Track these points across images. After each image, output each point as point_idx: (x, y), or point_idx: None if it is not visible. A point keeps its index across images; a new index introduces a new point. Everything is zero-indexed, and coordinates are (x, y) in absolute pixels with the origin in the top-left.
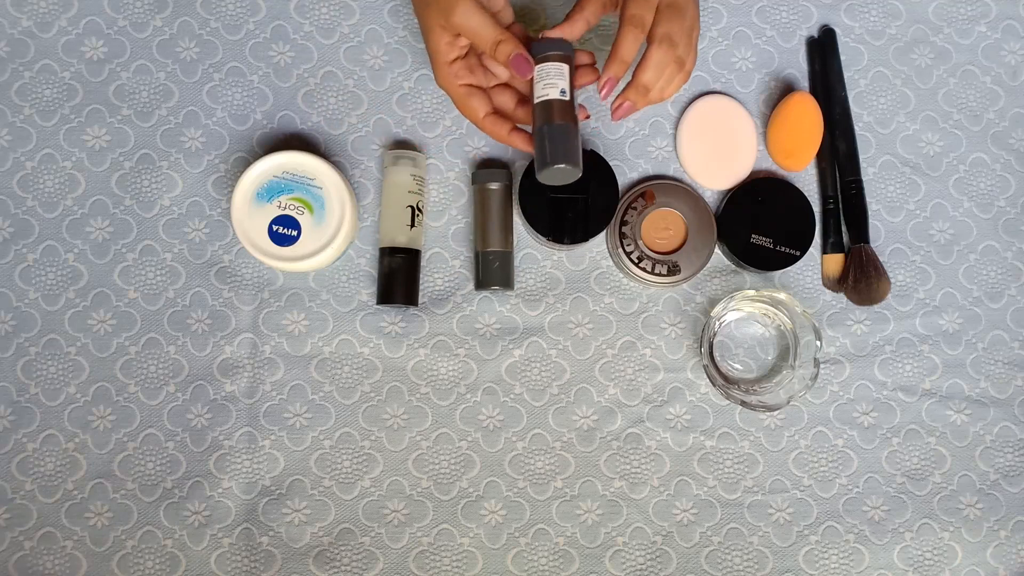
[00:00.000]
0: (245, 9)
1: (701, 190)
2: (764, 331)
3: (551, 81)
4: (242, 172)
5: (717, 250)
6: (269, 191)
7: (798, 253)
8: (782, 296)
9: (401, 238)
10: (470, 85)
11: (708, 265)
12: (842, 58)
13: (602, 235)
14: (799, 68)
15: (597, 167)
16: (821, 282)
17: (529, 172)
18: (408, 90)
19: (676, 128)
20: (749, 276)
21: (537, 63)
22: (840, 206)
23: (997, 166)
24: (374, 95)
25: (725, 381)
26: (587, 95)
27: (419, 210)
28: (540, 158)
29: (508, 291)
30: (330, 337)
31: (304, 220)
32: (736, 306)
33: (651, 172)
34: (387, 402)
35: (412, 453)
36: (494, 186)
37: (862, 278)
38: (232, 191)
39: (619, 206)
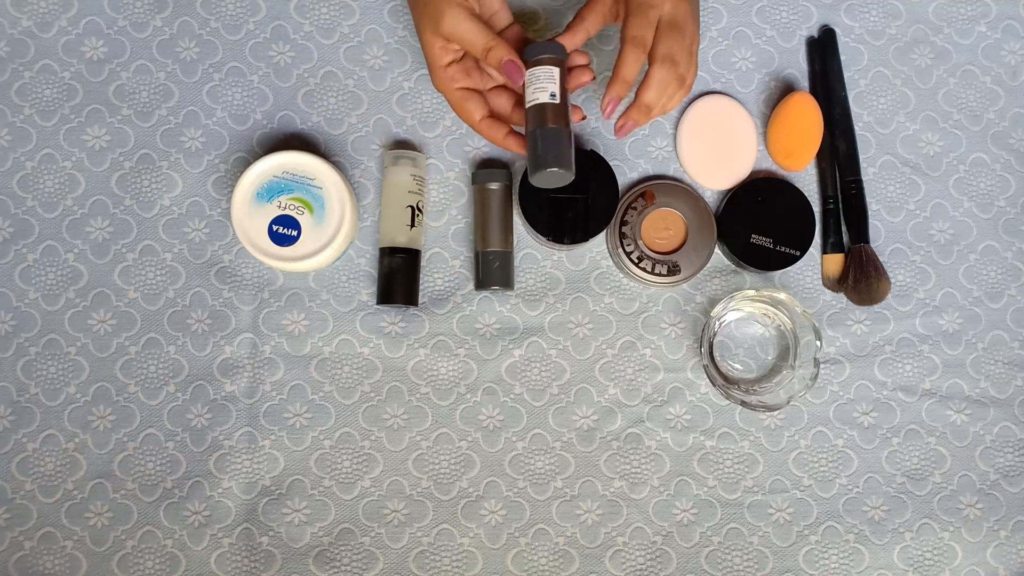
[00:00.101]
0: (245, 9)
1: (701, 190)
2: (764, 331)
3: (541, 85)
4: (242, 172)
5: (717, 250)
6: (269, 191)
7: (798, 253)
8: (782, 296)
9: (401, 238)
10: (466, 88)
11: (708, 265)
12: (842, 58)
13: (602, 235)
14: (799, 68)
15: (597, 167)
16: (821, 282)
17: None
18: (408, 90)
19: (676, 128)
20: (749, 276)
21: (528, 67)
22: (840, 206)
23: (997, 166)
24: (374, 95)
25: (725, 381)
26: (586, 96)
27: (419, 210)
28: (532, 162)
29: (508, 291)
30: (330, 337)
31: (304, 220)
32: (736, 306)
33: (651, 172)
34: (387, 402)
35: (412, 453)
36: (494, 186)
37: (862, 278)
38: (232, 191)
39: (619, 206)
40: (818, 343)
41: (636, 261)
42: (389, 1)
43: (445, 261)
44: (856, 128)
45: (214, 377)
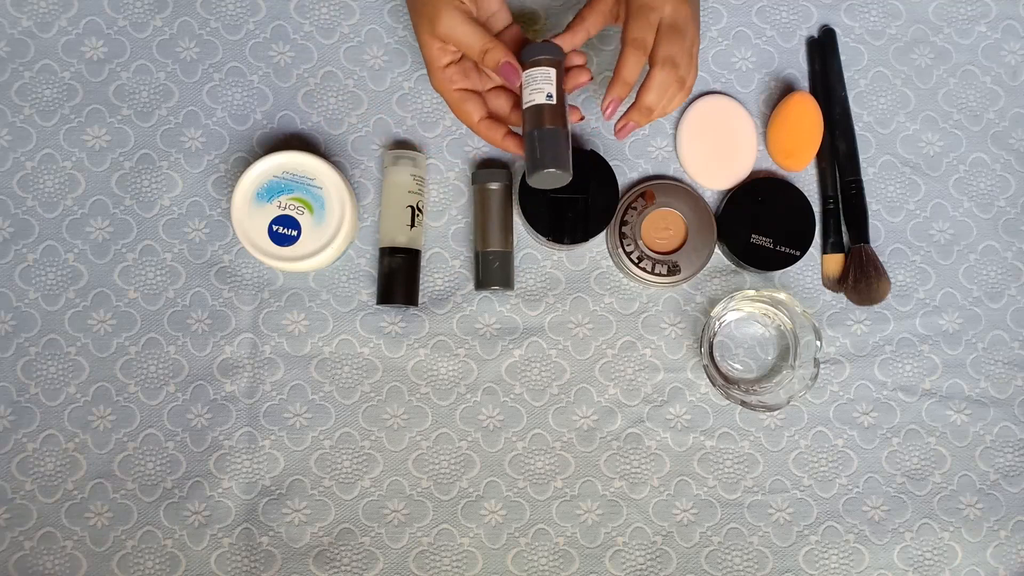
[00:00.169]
0: (245, 9)
1: (701, 190)
2: (764, 331)
3: (538, 86)
4: (242, 172)
5: (717, 250)
6: (269, 191)
7: (798, 253)
8: (782, 296)
9: (401, 238)
10: (465, 90)
11: (708, 265)
12: (842, 58)
13: (602, 235)
14: (799, 68)
15: (597, 167)
16: (821, 282)
17: None
18: (408, 90)
19: (676, 128)
20: (749, 276)
21: (525, 68)
22: (840, 206)
23: (997, 166)
24: (374, 95)
25: (725, 381)
26: (586, 96)
27: (419, 210)
28: (530, 163)
29: (508, 291)
30: (330, 337)
31: (304, 220)
32: (736, 306)
33: (651, 172)
34: (387, 402)
35: (412, 453)
36: (494, 186)
37: (862, 278)
38: (232, 191)
39: (619, 206)
40: (818, 343)
41: (636, 261)
42: (389, 1)
43: (445, 261)
44: (856, 128)
45: (214, 377)
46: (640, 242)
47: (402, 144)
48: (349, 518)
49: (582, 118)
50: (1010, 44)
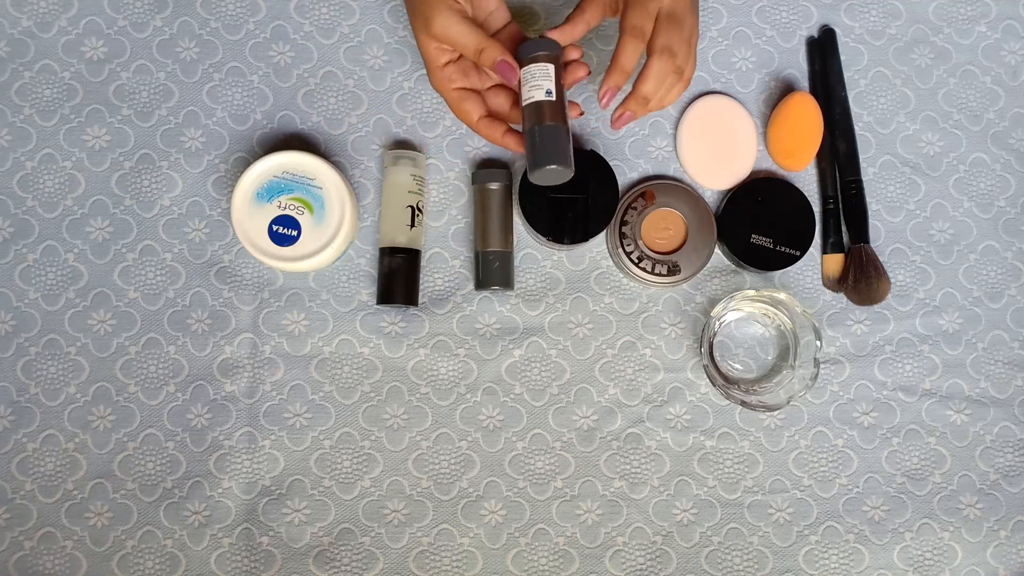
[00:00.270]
0: (245, 9)
1: (701, 190)
2: (764, 331)
3: (537, 83)
4: (242, 172)
5: (717, 250)
6: (269, 191)
7: (798, 253)
8: (782, 296)
9: (401, 238)
10: (464, 89)
11: (708, 265)
12: (842, 58)
13: (602, 235)
14: (799, 68)
15: (597, 167)
16: (821, 282)
17: None
18: (408, 90)
19: (676, 128)
20: (749, 276)
21: (523, 65)
22: (840, 206)
23: (997, 166)
24: (374, 95)
25: (725, 381)
26: (586, 95)
27: (419, 210)
28: (531, 160)
29: (508, 291)
30: (330, 337)
31: (304, 220)
32: (736, 306)
33: (651, 172)
34: (387, 402)
35: (412, 453)
36: (494, 186)
37: (862, 278)
38: (232, 191)
39: (619, 206)
40: (818, 343)
41: (636, 261)
42: (389, 1)
43: (445, 261)
44: (856, 128)
45: (214, 377)
46: (640, 242)
47: (402, 144)
48: (349, 518)
49: (582, 113)
50: (1010, 44)
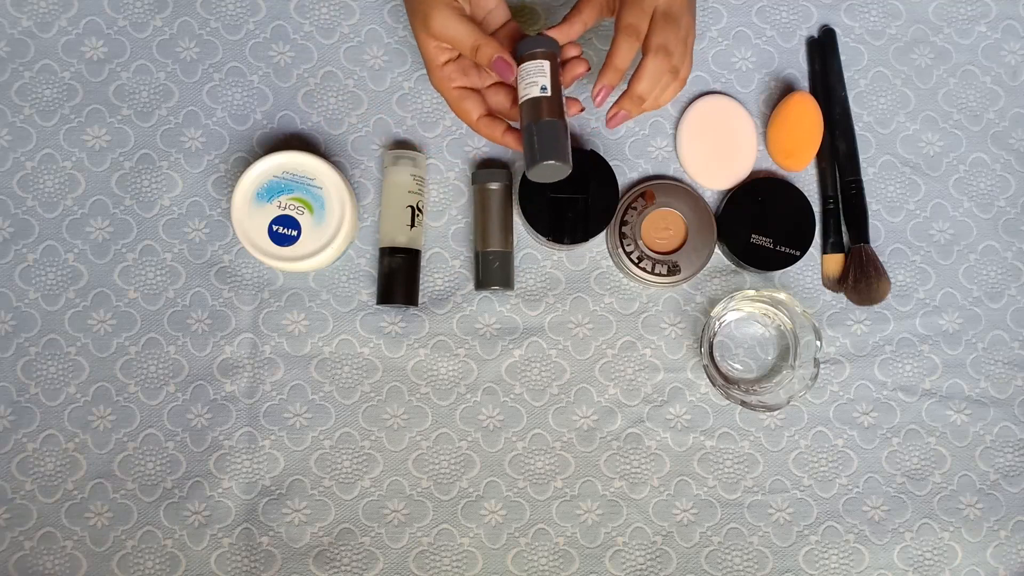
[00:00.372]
0: (245, 9)
1: (701, 190)
2: (764, 331)
3: (532, 79)
4: (242, 172)
5: (717, 250)
6: (269, 191)
7: (798, 253)
8: (782, 296)
9: (401, 238)
10: (463, 88)
11: (708, 265)
12: (842, 58)
13: (602, 235)
14: (799, 68)
15: (597, 167)
16: (821, 282)
17: None
18: (408, 90)
19: (676, 128)
20: (749, 276)
21: (520, 63)
22: (840, 206)
23: (997, 166)
24: (374, 95)
25: (725, 381)
26: (586, 94)
27: (419, 210)
28: (528, 156)
29: (508, 291)
30: (330, 337)
31: (304, 220)
32: (736, 306)
33: (651, 172)
34: (387, 402)
35: (412, 453)
36: (494, 186)
37: (862, 278)
38: (232, 191)
39: (619, 206)
40: (818, 343)
41: (636, 261)
42: (389, 1)
43: (445, 261)
44: (856, 128)
45: (214, 377)
46: (640, 242)
47: (402, 144)
48: (349, 518)
49: (582, 110)
50: (1010, 44)
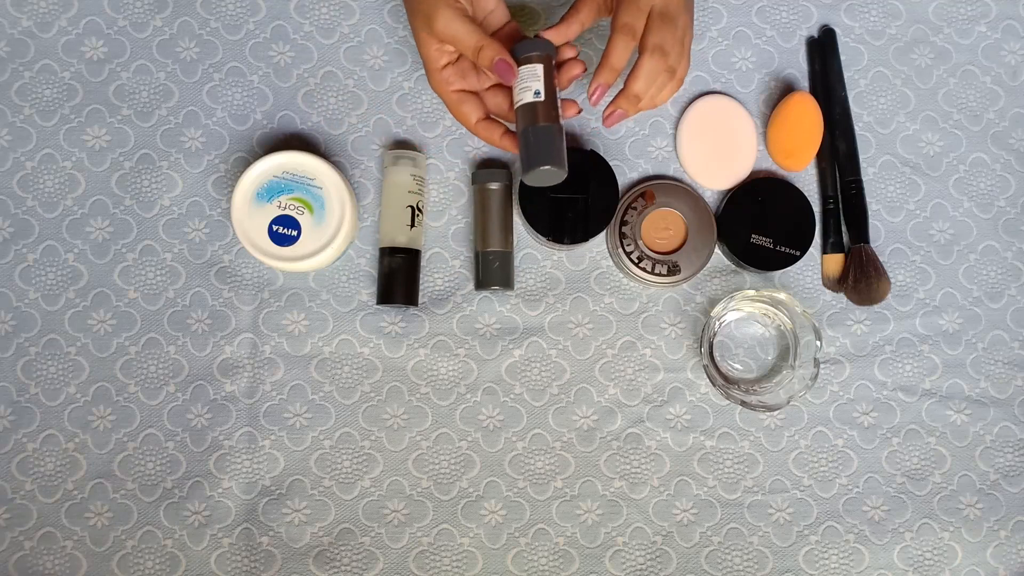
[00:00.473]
0: (245, 9)
1: (701, 190)
2: (764, 331)
3: (526, 84)
4: (242, 172)
5: (717, 250)
6: (269, 191)
7: (798, 253)
8: (782, 296)
9: (401, 238)
10: (462, 91)
11: (708, 265)
12: (842, 58)
13: (602, 235)
14: (799, 68)
15: (597, 167)
16: (821, 282)
17: None
18: (408, 90)
19: (676, 128)
20: (749, 276)
21: (518, 66)
22: (840, 206)
23: (997, 166)
24: (374, 95)
25: (725, 381)
26: (585, 95)
27: (419, 210)
28: (524, 162)
29: (508, 291)
30: (330, 337)
31: (304, 220)
32: (736, 306)
33: (651, 172)
34: (387, 402)
35: (412, 453)
36: (494, 186)
37: (862, 278)
38: (232, 191)
39: (619, 206)
40: (818, 343)
41: (636, 261)
42: (389, 1)
43: (445, 261)
44: (856, 128)
45: (214, 377)
46: (640, 242)
47: (402, 144)
48: (349, 518)
49: (579, 111)
50: (1010, 44)
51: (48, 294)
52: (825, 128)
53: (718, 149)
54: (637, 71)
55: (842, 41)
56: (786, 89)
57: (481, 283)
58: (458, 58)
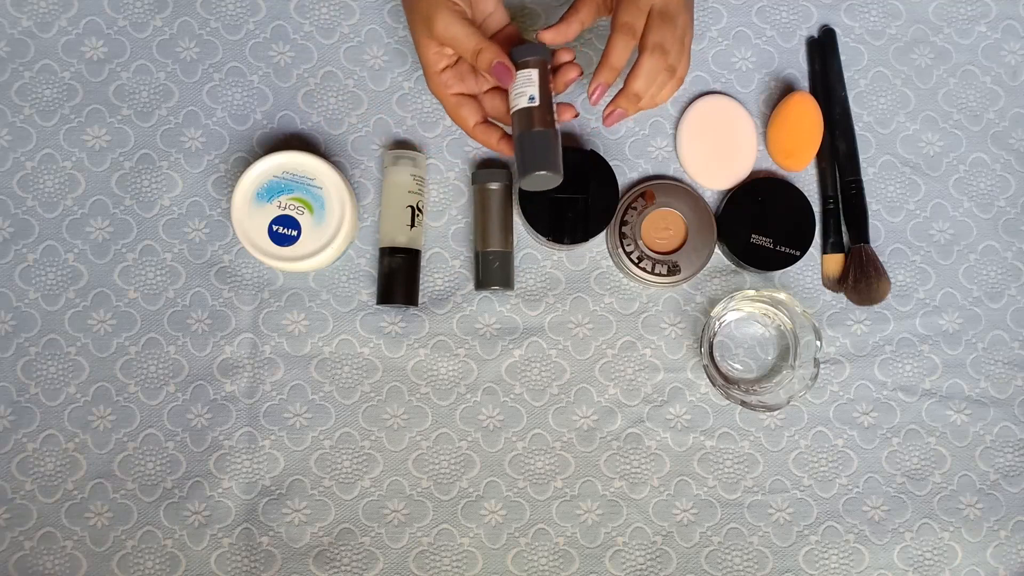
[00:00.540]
0: (245, 9)
1: (701, 190)
2: (764, 331)
3: (520, 89)
4: (242, 172)
5: (717, 250)
6: (269, 191)
7: (798, 253)
8: (782, 296)
9: (401, 238)
10: (461, 94)
11: (708, 265)
12: (842, 58)
13: (602, 235)
14: (799, 68)
15: (597, 167)
16: (821, 282)
17: None
18: (408, 90)
19: (676, 128)
20: (749, 276)
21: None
22: (840, 206)
23: (997, 166)
24: (374, 95)
25: (725, 381)
26: (584, 96)
27: (419, 210)
28: (520, 166)
29: (508, 291)
30: (330, 337)
31: (304, 220)
32: (736, 306)
33: (651, 172)
34: (387, 402)
35: (412, 453)
36: (494, 186)
37: (862, 278)
38: (232, 191)
39: (619, 206)
40: (818, 343)
41: (636, 261)
42: (389, 1)
43: (445, 261)
44: (856, 128)
45: (214, 377)
46: (640, 242)
47: (402, 144)
48: (349, 518)
49: (576, 115)
50: (1010, 44)
51: (48, 294)
52: (825, 128)
53: (718, 149)
54: (637, 70)
55: (842, 41)
56: (786, 89)
57: (481, 283)
58: (457, 61)
